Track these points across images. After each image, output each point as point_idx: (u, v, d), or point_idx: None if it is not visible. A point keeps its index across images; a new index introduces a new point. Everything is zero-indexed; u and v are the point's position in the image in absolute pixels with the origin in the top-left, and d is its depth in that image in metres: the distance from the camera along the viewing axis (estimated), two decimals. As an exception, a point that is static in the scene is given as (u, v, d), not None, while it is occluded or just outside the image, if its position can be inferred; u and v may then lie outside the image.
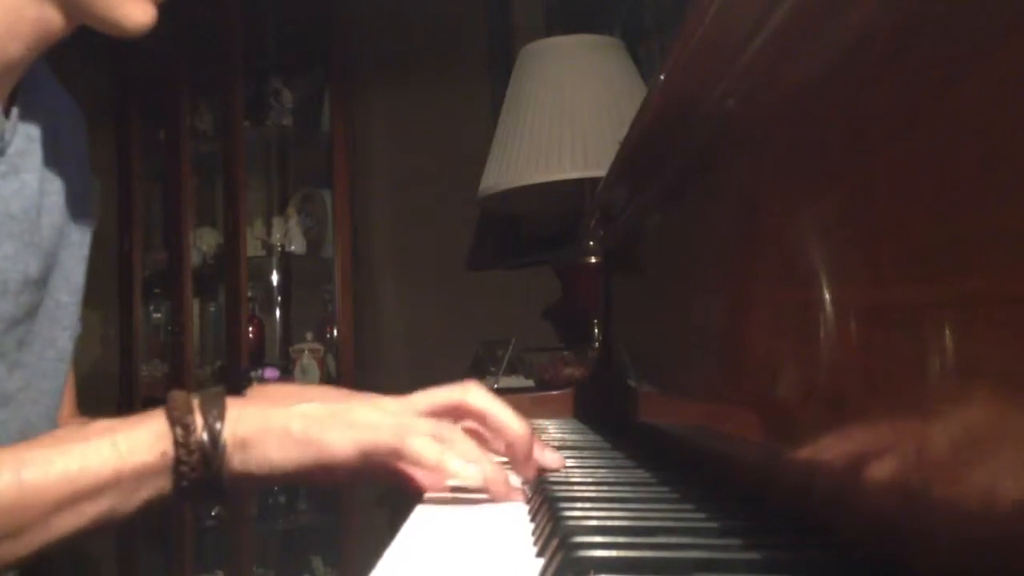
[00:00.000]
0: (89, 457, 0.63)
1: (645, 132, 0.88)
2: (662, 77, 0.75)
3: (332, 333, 2.84)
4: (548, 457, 0.72)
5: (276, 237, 2.88)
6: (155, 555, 2.94)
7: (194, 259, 2.89)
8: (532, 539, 0.52)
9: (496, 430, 0.69)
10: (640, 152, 0.95)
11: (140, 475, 0.64)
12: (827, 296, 0.48)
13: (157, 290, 3.03)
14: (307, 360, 2.81)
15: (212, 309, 3.03)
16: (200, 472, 0.64)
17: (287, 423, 0.66)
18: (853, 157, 0.46)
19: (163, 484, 0.65)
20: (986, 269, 0.32)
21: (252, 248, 2.84)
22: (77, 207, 0.85)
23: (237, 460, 0.65)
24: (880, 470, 0.40)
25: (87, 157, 0.89)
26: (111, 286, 3.10)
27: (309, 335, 2.86)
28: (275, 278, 2.97)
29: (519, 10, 2.65)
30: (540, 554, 0.47)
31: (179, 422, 0.64)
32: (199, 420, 0.65)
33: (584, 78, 2.00)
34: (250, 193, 2.89)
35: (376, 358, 2.85)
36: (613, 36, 2.20)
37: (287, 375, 2.82)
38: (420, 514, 0.63)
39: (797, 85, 0.54)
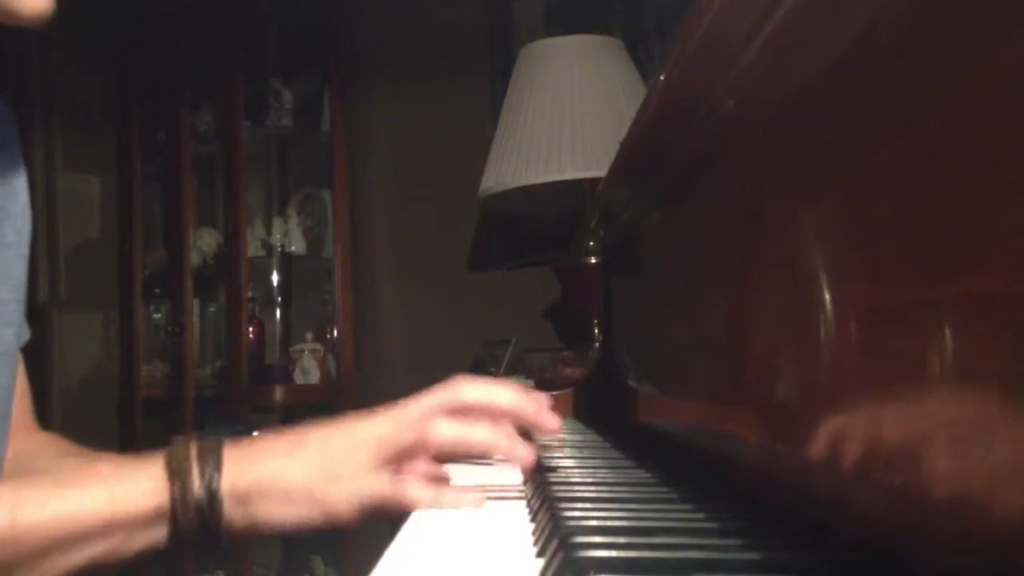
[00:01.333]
0: (83, 502, 0.63)
1: (645, 132, 0.88)
2: (662, 77, 0.75)
3: (332, 333, 2.84)
4: (546, 418, 0.72)
5: (276, 237, 2.88)
6: (156, 555, 2.93)
7: (194, 259, 2.89)
8: (532, 539, 0.52)
9: (502, 415, 0.69)
10: (640, 152, 0.95)
11: (133, 525, 0.64)
12: (827, 296, 0.48)
13: (157, 290, 3.04)
14: (307, 360, 2.81)
15: (212, 309, 3.04)
16: (196, 525, 0.64)
17: (285, 479, 0.65)
18: (853, 157, 0.45)
19: (158, 535, 0.65)
20: (986, 269, 0.32)
21: (252, 248, 2.84)
22: (10, 205, 0.84)
23: (238, 515, 0.65)
24: (880, 470, 0.40)
25: (18, 153, 0.88)
26: (111, 286, 3.11)
27: (309, 335, 2.86)
28: (275, 278, 2.97)
29: (519, 10, 2.64)
30: (540, 554, 0.48)
31: (177, 475, 0.64)
32: (196, 475, 0.64)
33: (584, 78, 2.00)
34: (250, 193, 2.89)
35: (376, 358, 2.85)
36: (613, 36, 2.20)
37: (287, 377, 2.82)
38: (420, 514, 0.63)
39: (797, 85, 0.54)
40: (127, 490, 0.64)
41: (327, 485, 0.66)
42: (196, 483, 0.64)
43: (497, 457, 0.70)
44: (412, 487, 0.65)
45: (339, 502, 0.65)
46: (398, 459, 0.67)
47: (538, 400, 0.72)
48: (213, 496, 0.64)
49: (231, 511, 0.65)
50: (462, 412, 0.69)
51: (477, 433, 0.67)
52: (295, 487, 0.65)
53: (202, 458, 0.65)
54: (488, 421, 0.69)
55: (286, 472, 0.66)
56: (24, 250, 0.85)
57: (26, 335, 0.89)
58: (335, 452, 0.67)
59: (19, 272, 0.85)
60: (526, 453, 0.68)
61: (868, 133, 0.44)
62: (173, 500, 0.64)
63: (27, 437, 0.90)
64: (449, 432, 0.67)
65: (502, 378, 2.07)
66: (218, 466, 0.65)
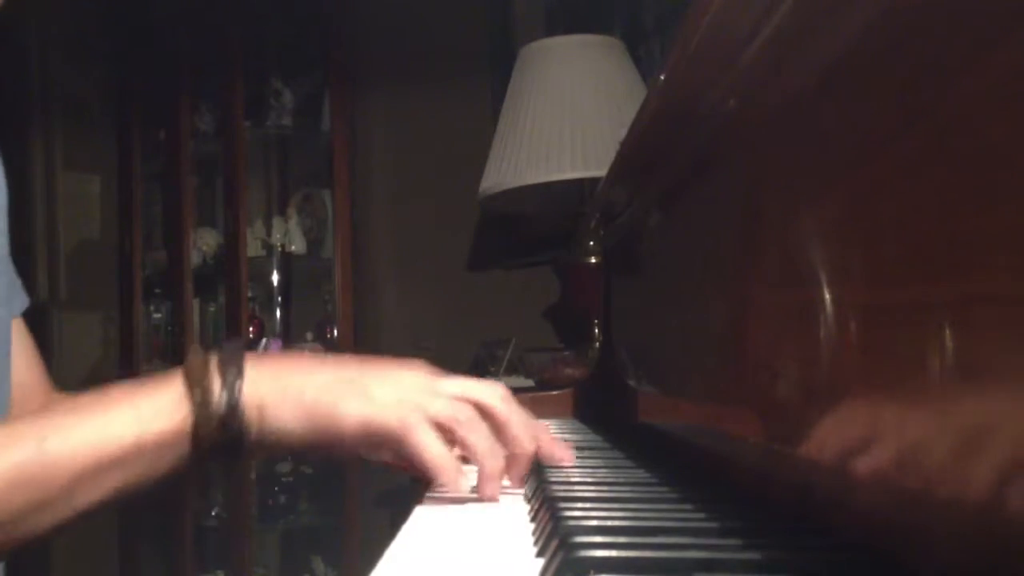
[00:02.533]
0: (110, 427, 0.62)
1: (645, 132, 0.88)
2: (662, 77, 0.75)
3: (332, 333, 2.83)
4: (559, 449, 0.71)
5: (276, 237, 2.88)
6: (156, 555, 2.94)
7: (194, 259, 2.89)
8: (532, 539, 0.52)
9: (508, 441, 0.68)
10: (640, 152, 0.95)
11: (160, 443, 0.63)
12: (827, 296, 0.48)
13: (157, 290, 3.03)
14: (307, 360, 2.80)
15: (212, 309, 3.03)
16: (219, 435, 0.63)
17: (302, 387, 0.64)
18: (853, 157, 0.46)
19: (183, 451, 0.64)
20: (986, 269, 0.32)
21: (252, 248, 2.84)
22: None
23: (255, 425, 0.64)
24: (880, 470, 0.40)
25: None
26: (111, 286, 3.11)
27: (309, 335, 2.85)
28: (275, 278, 2.97)
29: (519, 10, 2.64)
30: (540, 554, 0.48)
31: (198, 384, 0.63)
32: (218, 382, 0.64)
33: (584, 78, 2.00)
34: (250, 193, 2.89)
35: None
36: (613, 36, 2.20)
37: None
38: (420, 514, 0.63)
39: (797, 85, 0.54)
40: (151, 409, 0.63)
41: (340, 399, 0.64)
42: (217, 390, 0.63)
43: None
44: (422, 432, 0.64)
45: (345, 414, 0.64)
46: (419, 421, 0.65)
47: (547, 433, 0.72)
48: (234, 402, 0.63)
49: (250, 419, 0.63)
50: (483, 413, 0.67)
51: (491, 463, 0.65)
52: (308, 397, 0.64)
53: (223, 365, 0.64)
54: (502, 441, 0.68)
55: (306, 383, 0.65)
56: (2, 224, 0.85)
57: (23, 303, 0.88)
58: (363, 379, 0.66)
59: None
60: (492, 498, 0.66)
61: (868, 133, 0.44)
62: (195, 409, 0.63)
63: (45, 399, 0.90)
64: (477, 441, 0.65)
65: (503, 378, 2.07)
66: (239, 372, 0.64)
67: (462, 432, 0.65)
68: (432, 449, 0.64)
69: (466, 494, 0.65)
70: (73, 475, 0.61)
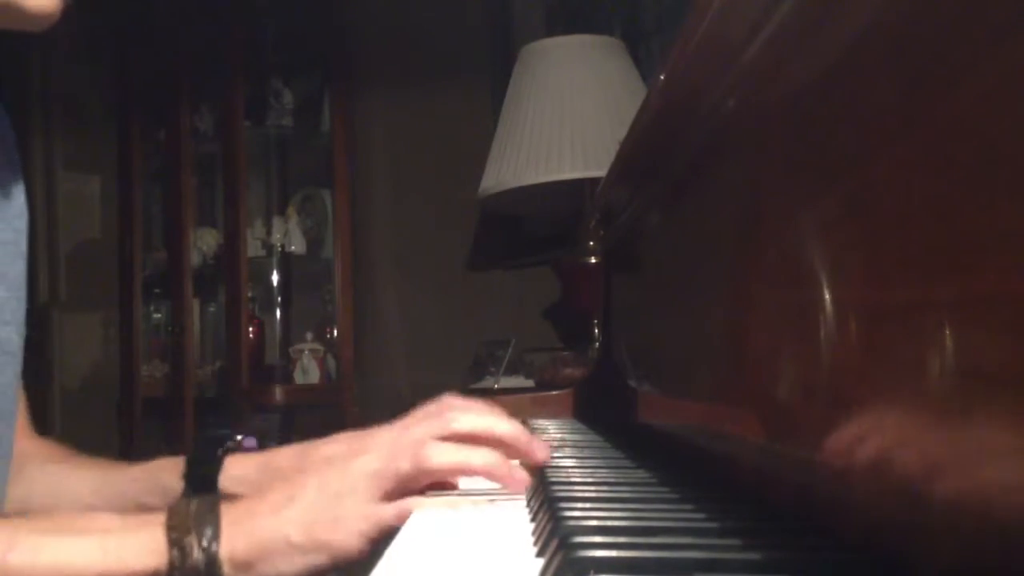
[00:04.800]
0: (78, 554, 0.61)
1: (645, 132, 0.88)
2: (662, 77, 0.75)
3: (332, 333, 2.84)
4: (538, 450, 0.72)
5: (276, 237, 2.88)
6: None
7: (194, 259, 2.89)
8: (532, 539, 0.52)
9: (486, 441, 0.69)
10: (640, 152, 0.95)
11: None
12: (827, 296, 0.48)
13: (157, 290, 3.04)
14: (307, 360, 2.81)
15: (212, 309, 3.04)
16: None
17: (286, 534, 0.64)
18: (853, 157, 0.45)
19: None
20: (986, 269, 0.32)
21: (252, 248, 2.85)
22: (5, 205, 0.83)
23: None
24: (880, 470, 0.40)
25: (14, 152, 0.87)
26: (111, 286, 3.11)
27: (309, 335, 2.86)
28: (275, 278, 2.97)
29: (519, 10, 2.64)
30: (540, 554, 0.47)
31: (176, 543, 0.63)
32: (195, 541, 0.63)
33: (584, 78, 2.00)
34: (250, 193, 2.90)
35: (376, 358, 2.85)
36: (613, 36, 2.20)
37: (287, 377, 2.82)
38: (420, 514, 0.63)
39: (797, 85, 0.54)
40: (124, 547, 0.62)
41: (330, 529, 0.64)
42: (195, 550, 0.62)
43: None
44: (417, 503, 0.65)
45: (345, 541, 0.64)
46: (399, 491, 0.66)
47: (526, 431, 0.73)
48: (212, 562, 0.62)
49: (233, 575, 0.63)
50: (454, 437, 0.69)
51: (476, 457, 0.66)
52: (297, 538, 0.64)
53: (199, 524, 0.63)
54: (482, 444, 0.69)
55: (286, 526, 0.64)
56: (22, 248, 0.85)
57: (23, 333, 0.89)
58: (333, 495, 0.66)
59: (17, 270, 0.84)
60: (524, 477, 0.67)
61: (868, 133, 0.44)
62: (171, 566, 0.62)
63: (24, 440, 0.90)
64: (447, 458, 0.66)
65: (502, 378, 2.07)
66: (216, 532, 0.63)
67: (432, 467, 0.66)
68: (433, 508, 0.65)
69: (479, 506, 0.65)
70: None
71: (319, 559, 0.65)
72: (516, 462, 0.70)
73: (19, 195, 0.86)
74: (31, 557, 0.61)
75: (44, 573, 0.61)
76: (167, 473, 0.86)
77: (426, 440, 0.67)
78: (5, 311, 0.82)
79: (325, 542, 0.64)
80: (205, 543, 0.63)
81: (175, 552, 0.62)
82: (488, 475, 0.67)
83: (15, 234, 0.84)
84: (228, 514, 0.65)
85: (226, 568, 0.63)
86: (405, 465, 0.66)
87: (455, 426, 0.69)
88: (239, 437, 0.85)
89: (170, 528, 0.63)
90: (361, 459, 0.68)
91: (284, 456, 0.84)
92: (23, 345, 0.86)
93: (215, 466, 0.84)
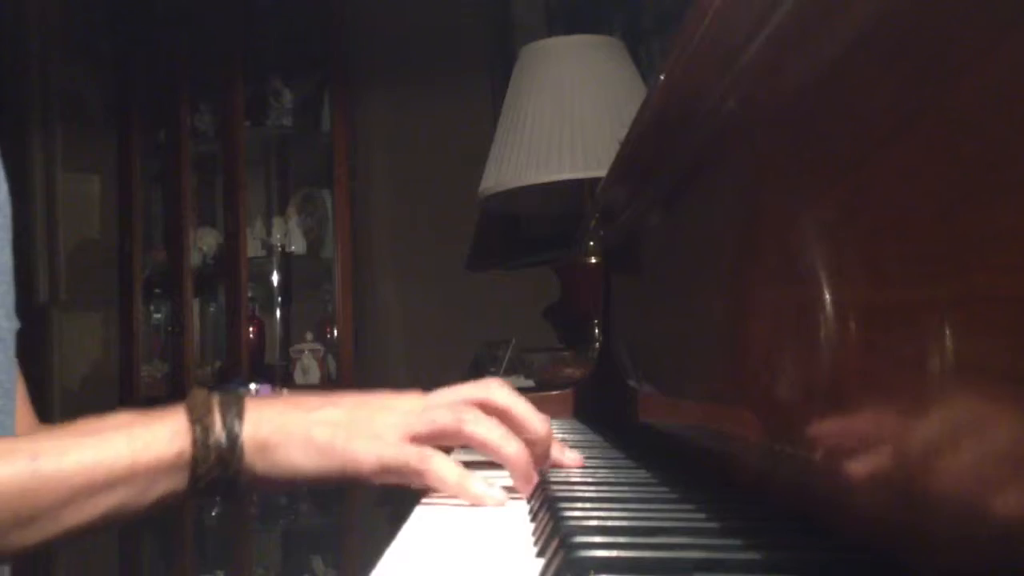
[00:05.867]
0: (104, 449, 0.63)
1: (645, 132, 0.88)
2: (662, 77, 0.75)
3: (332, 333, 2.83)
4: (568, 456, 0.73)
5: (276, 237, 2.88)
6: (156, 555, 2.94)
7: (194, 259, 2.89)
8: (532, 539, 0.52)
9: (518, 427, 0.68)
10: (640, 152, 0.95)
11: (155, 471, 0.63)
12: (827, 296, 0.48)
13: (157, 290, 3.03)
14: (307, 360, 2.81)
15: (212, 309, 3.03)
16: (217, 472, 0.64)
17: (309, 429, 0.65)
18: (853, 157, 0.46)
19: (178, 482, 0.64)
20: (986, 269, 0.32)
21: (252, 248, 2.84)
22: None
23: (259, 462, 0.65)
24: (880, 470, 0.40)
25: None
26: (111, 286, 3.10)
27: (309, 335, 2.85)
28: (275, 278, 2.97)
29: (519, 10, 2.64)
30: (540, 554, 0.47)
31: (198, 421, 0.64)
32: (218, 420, 0.64)
33: (584, 78, 2.00)
34: (250, 193, 2.89)
35: (376, 358, 2.85)
36: (613, 36, 2.20)
37: (287, 378, 2.82)
38: (420, 514, 0.63)
39: (797, 85, 0.54)
40: (148, 437, 0.63)
41: (352, 438, 0.65)
42: (218, 427, 0.64)
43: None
44: (439, 461, 0.64)
45: (361, 453, 0.64)
46: (429, 438, 0.66)
47: (562, 452, 0.74)
48: (234, 440, 0.64)
49: (252, 457, 0.64)
50: (488, 411, 0.68)
51: (509, 445, 0.66)
52: (320, 436, 0.65)
53: (224, 406, 0.65)
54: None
55: (313, 422, 0.65)
56: (6, 234, 0.85)
57: (15, 323, 0.89)
58: (365, 413, 0.66)
59: (5, 257, 0.84)
60: (532, 486, 0.67)
61: (868, 133, 0.44)
62: (195, 443, 0.63)
63: (26, 430, 0.90)
64: (484, 430, 0.66)
65: (503, 378, 2.07)
66: (240, 413, 0.65)
67: (469, 430, 0.66)
68: (451, 477, 0.65)
69: (501, 504, 0.65)
70: (64, 493, 0.61)
71: (332, 464, 0.65)
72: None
73: (2, 185, 0.85)
74: (58, 459, 0.62)
75: (74, 472, 0.62)
76: None
77: (470, 404, 0.67)
78: None
79: (343, 448, 0.65)
80: (229, 421, 0.64)
81: (198, 429, 0.64)
82: (512, 467, 0.66)
83: (3, 219, 0.84)
84: (254, 402, 0.66)
85: (248, 446, 0.64)
86: (445, 418, 0.66)
87: (494, 395, 0.69)
88: (253, 385, 0.86)
89: (192, 410, 0.65)
90: (404, 398, 0.69)
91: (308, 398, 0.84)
92: (15, 332, 0.86)
93: None
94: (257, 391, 0.74)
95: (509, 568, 0.47)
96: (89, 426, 0.65)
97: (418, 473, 0.65)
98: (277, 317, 3.00)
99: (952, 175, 0.35)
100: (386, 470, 0.65)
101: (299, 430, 0.65)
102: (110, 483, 0.62)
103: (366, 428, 0.66)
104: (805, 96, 0.53)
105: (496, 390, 0.69)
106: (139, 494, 0.64)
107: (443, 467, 0.64)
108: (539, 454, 0.70)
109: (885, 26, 0.42)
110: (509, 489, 0.67)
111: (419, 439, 0.66)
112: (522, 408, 0.69)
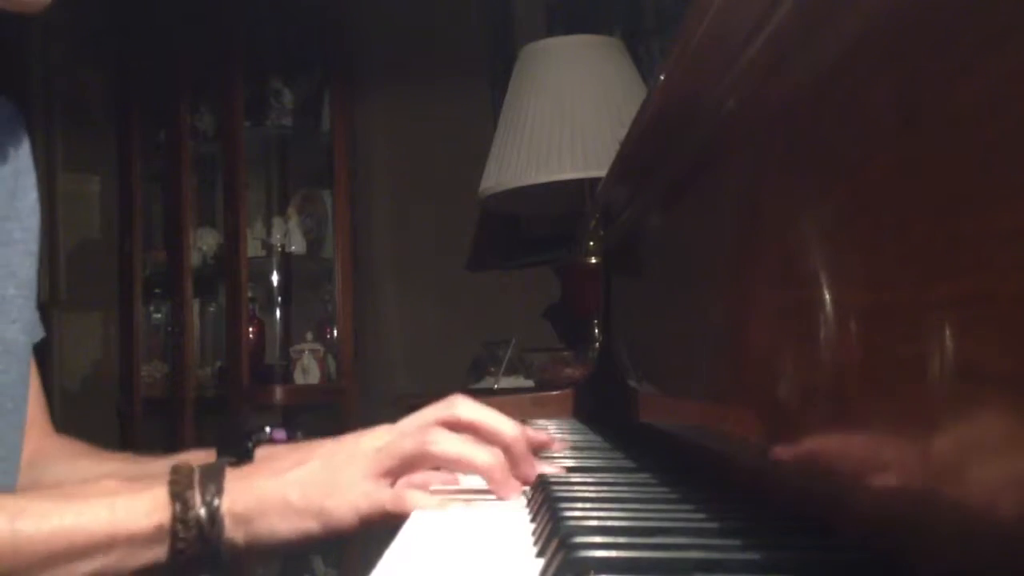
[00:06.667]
0: (85, 516, 0.63)
1: (645, 132, 0.88)
2: (662, 77, 0.75)
3: (332, 333, 2.83)
4: (547, 469, 0.73)
5: (276, 237, 2.88)
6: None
7: (194, 259, 2.88)
8: (532, 539, 0.52)
9: (489, 437, 0.69)
10: (640, 152, 0.95)
11: (134, 542, 0.64)
12: (827, 296, 0.48)
13: (157, 290, 3.03)
14: (307, 360, 2.81)
15: (212, 309, 3.03)
16: (198, 547, 0.65)
17: (285, 495, 0.66)
18: (853, 157, 0.46)
19: (159, 554, 0.65)
20: (986, 269, 0.32)
21: (252, 248, 2.84)
22: (17, 203, 0.84)
23: (240, 534, 0.66)
24: (880, 470, 0.40)
25: (27, 151, 0.88)
26: (111, 286, 3.10)
27: (309, 335, 2.85)
28: (275, 278, 2.97)
29: (519, 10, 2.64)
30: (540, 554, 0.47)
31: (178, 496, 0.65)
32: (198, 495, 0.65)
33: (584, 78, 2.00)
34: (250, 193, 2.89)
35: (376, 358, 2.85)
36: (613, 36, 2.20)
37: (287, 378, 2.82)
38: (420, 514, 0.63)
39: (797, 85, 0.54)
40: (128, 507, 0.64)
41: (327, 495, 0.66)
42: (197, 502, 0.65)
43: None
44: (414, 497, 0.66)
45: (338, 510, 0.66)
46: (400, 469, 0.67)
47: (537, 435, 0.74)
48: (214, 515, 0.65)
49: (232, 530, 0.65)
50: (458, 429, 0.69)
51: (479, 455, 0.67)
52: (295, 500, 0.66)
53: (204, 480, 0.66)
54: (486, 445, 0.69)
55: (286, 487, 0.67)
56: (33, 247, 0.86)
57: (39, 333, 0.89)
58: (335, 465, 0.68)
59: (26, 269, 0.85)
60: (517, 486, 0.68)
61: (868, 133, 0.44)
62: (174, 518, 0.64)
63: (42, 439, 0.90)
64: (451, 447, 0.67)
65: (502, 378, 2.07)
66: (219, 488, 0.66)
67: (434, 450, 0.67)
68: (429, 505, 0.65)
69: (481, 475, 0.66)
70: (42, 557, 0.62)
71: (313, 525, 0.66)
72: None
73: (31, 194, 0.86)
74: (38, 522, 0.62)
75: (52, 536, 0.62)
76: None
77: (433, 424, 0.69)
78: (12, 309, 0.82)
79: (320, 508, 0.66)
80: (208, 497, 0.65)
81: (178, 505, 0.65)
82: (485, 475, 0.67)
83: (26, 233, 0.85)
84: (232, 474, 0.67)
85: (228, 520, 0.65)
86: (408, 445, 0.67)
87: (459, 411, 0.70)
88: (268, 428, 0.86)
89: (173, 484, 0.65)
90: (368, 436, 0.70)
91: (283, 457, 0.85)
92: (32, 345, 0.86)
93: (246, 458, 0.85)
94: (271, 433, 0.75)
95: (509, 568, 0.47)
96: (74, 491, 0.66)
97: (396, 515, 0.65)
98: (277, 317, 3.00)
99: (952, 175, 0.35)
100: (366, 521, 0.66)
101: (275, 497, 0.66)
102: (88, 550, 0.63)
103: (338, 482, 0.67)
104: (805, 96, 0.53)
105: (460, 405, 0.70)
106: (118, 563, 0.64)
107: (419, 502, 0.65)
108: (516, 456, 0.70)
109: (885, 26, 0.42)
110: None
111: (391, 474, 0.67)
112: (489, 417, 0.70)
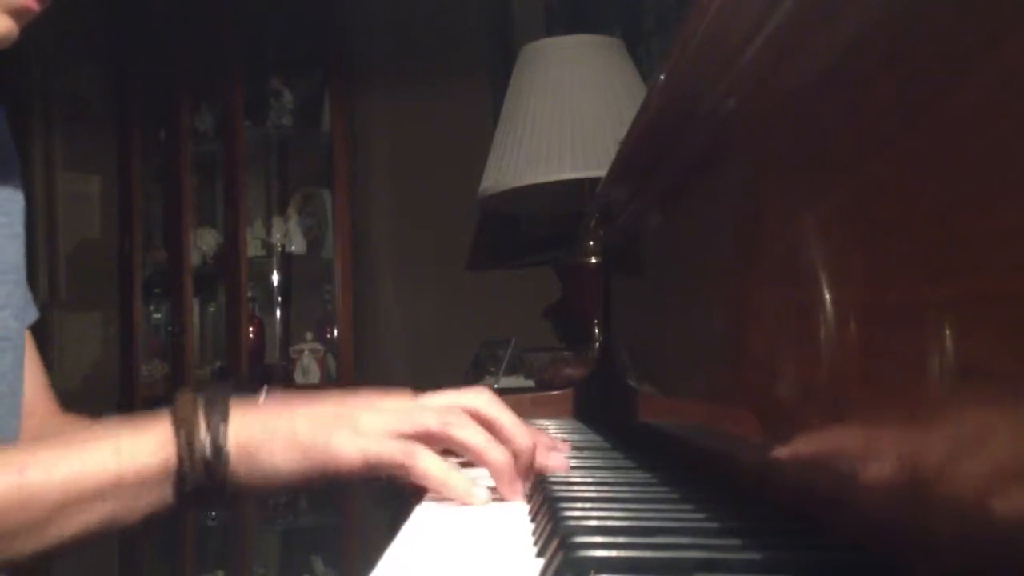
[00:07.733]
0: (91, 461, 0.62)
1: (645, 132, 0.88)
2: (662, 77, 0.75)
3: (332, 333, 2.83)
4: (553, 459, 0.72)
5: (276, 237, 2.88)
6: (157, 555, 2.94)
7: (194, 259, 2.89)
8: (532, 539, 0.52)
9: (504, 438, 0.68)
10: (640, 152, 0.95)
11: (142, 481, 0.63)
12: (827, 296, 0.48)
13: (157, 290, 3.03)
14: (307, 360, 2.81)
15: (212, 309, 3.03)
16: (203, 480, 0.64)
17: (292, 427, 0.65)
18: (853, 157, 0.45)
19: (166, 491, 0.64)
20: (986, 269, 0.32)
21: (252, 248, 2.84)
22: None
23: (243, 467, 0.64)
24: (880, 470, 0.40)
25: (8, 136, 0.87)
26: (111, 286, 3.10)
27: (309, 335, 2.85)
28: (275, 278, 2.97)
29: (519, 10, 2.64)
30: (540, 554, 0.48)
31: (183, 428, 0.64)
32: (203, 427, 0.64)
33: (584, 78, 2.00)
34: (250, 193, 2.89)
35: (376, 358, 2.85)
36: (613, 36, 2.20)
37: (287, 377, 2.82)
38: (420, 514, 0.63)
39: (797, 85, 0.54)
40: (133, 446, 0.63)
41: (334, 434, 0.65)
42: (202, 433, 0.63)
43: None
44: (424, 456, 0.64)
45: (343, 448, 0.64)
46: (413, 438, 0.66)
47: (552, 442, 0.74)
48: (219, 447, 0.63)
49: (237, 462, 0.64)
50: (475, 420, 0.69)
51: (495, 452, 0.66)
52: (303, 433, 0.64)
53: (208, 410, 0.65)
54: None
55: (297, 420, 0.65)
56: (18, 229, 0.85)
57: (32, 315, 0.88)
58: (351, 410, 0.66)
59: (12, 252, 0.84)
60: (517, 495, 0.67)
61: (868, 133, 0.44)
62: (179, 451, 0.63)
63: (49, 418, 0.90)
64: (471, 436, 0.66)
65: (502, 378, 2.07)
66: (224, 417, 0.64)
67: (454, 433, 0.66)
68: (435, 472, 0.65)
69: (485, 502, 0.65)
70: (52, 505, 0.61)
71: (314, 463, 0.65)
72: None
73: (14, 178, 0.85)
74: (47, 471, 0.62)
75: (61, 484, 0.62)
76: None
77: (458, 409, 0.68)
78: (1, 295, 0.82)
79: (325, 444, 0.64)
80: (213, 425, 0.64)
81: (182, 435, 0.63)
82: (495, 472, 0.66)
83: (8, 216, 0.84)
84: (240, 406, 0.66)
85: (232, 451, 0.64)
86: (431, 420, 0.66)
87: (483, 404, 0.69)
88: (265, 388, 0.85)
89: (176, 416, 0.64)
90: (392, 398, 0.69)
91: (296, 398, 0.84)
92: (24, 330, 0.85)
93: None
94: (267, 393, 0.74)
95: (509, 568, 0.47)
96: (77, 437, 0.65)
97: (402, 467, 0.64)
98: (277, 317, 3.00)
99: (952, 175, 0.35)
100: (369, 465, 0.65)
101: (283, 428, 0.65)
102: (98, 495, 0.62)
103: (350, 424, 0.65)
104: (805, 96, 0.53)
105: (486, 401, 0.69)
106: (127, 505, 0.64)
107: (428, 462, 0.64)
108: (523, 465, 0.69)
109: (885, 26, 0.42)
110: (494, 490, 0.67)
111: (404, 438, 0.66)
112: (509, 420, 0.69)
